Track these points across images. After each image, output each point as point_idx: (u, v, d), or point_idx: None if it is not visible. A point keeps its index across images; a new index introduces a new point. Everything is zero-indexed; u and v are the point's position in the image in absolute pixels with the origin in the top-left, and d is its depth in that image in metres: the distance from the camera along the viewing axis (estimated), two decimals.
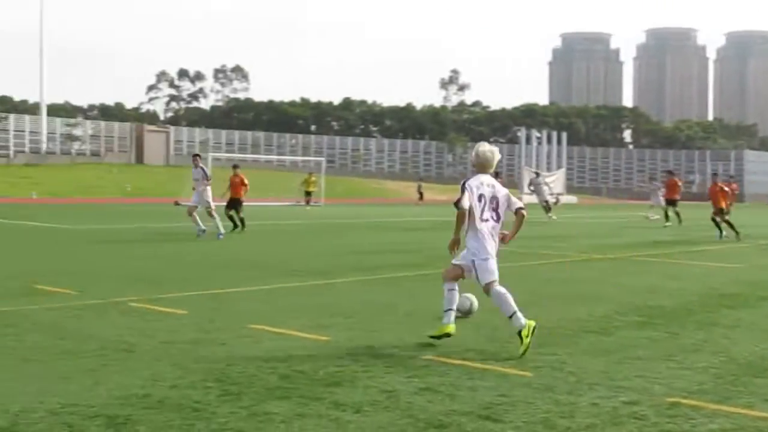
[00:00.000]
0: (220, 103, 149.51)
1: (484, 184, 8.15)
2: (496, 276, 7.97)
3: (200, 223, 22.16)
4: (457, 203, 7.98)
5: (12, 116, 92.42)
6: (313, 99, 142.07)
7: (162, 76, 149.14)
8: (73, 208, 43.96)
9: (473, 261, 8.04)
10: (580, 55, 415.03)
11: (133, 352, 7.40)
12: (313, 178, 52.13)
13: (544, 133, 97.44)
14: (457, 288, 8.26)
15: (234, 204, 25.78)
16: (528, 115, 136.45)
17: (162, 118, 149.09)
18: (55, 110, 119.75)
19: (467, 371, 6.90)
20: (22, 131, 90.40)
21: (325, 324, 8.98)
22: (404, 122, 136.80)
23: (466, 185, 8.08)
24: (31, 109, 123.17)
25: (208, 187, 22.70)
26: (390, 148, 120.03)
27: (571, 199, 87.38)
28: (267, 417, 5.50)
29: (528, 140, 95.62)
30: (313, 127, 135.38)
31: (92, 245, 19.32)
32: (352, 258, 17.29)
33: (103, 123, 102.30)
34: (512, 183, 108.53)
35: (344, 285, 12.80)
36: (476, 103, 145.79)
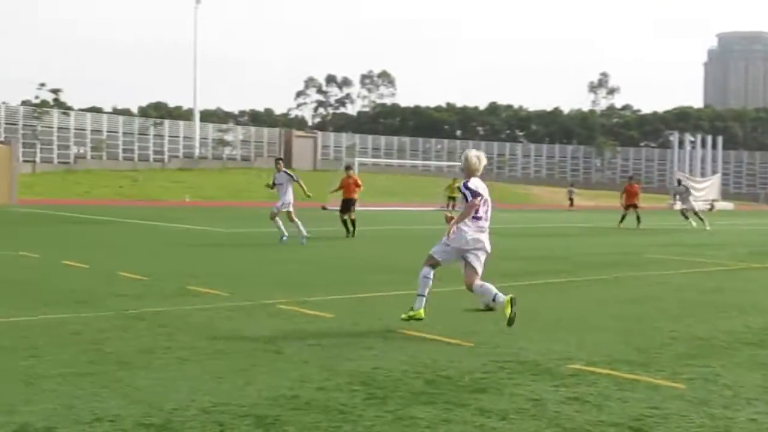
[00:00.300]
0: (366, 109, 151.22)
1: (480, 186, 9.10)
2: (442, 258, 9.18)
3: (283, 229, 21.59)
4: (473, 195, 8.93)
5: (167, 122, 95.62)
6: (459, 104, 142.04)
7: (310, 82, 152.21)
8: (224, 212, 45.39)
9: (467, 251, 9.04)
10: (737, 56, 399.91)
11: (281, 353, 7.57)
12: (457, 184, 52.01)
13: (698, 137, 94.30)
14: (432, 276, 9.24)
15: (347, 206, 25.59)
16: (681, 119, 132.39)
17: (310, 123, 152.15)
18: (207, 116, 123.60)
19: (616, 381, 6.75)
20: (177, 136, 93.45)
21: (470, 330, 8.95)
22: (551, 127, 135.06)
23: (470, 185, 9.01)
24: (185, 115, 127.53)
25: (291, 193, 22.12)
26: (536, 153, 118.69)
27: (727, 205, 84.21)
28: (412, 422, 5.52)
29: (681, 145, 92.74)
30: (458, 132, 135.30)
31: (241, 248, 19.88)
32: (496, 264, 17.17)
33: (253, 129, 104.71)
34: (663, 189, 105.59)
35: None
36: (626, 107, 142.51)
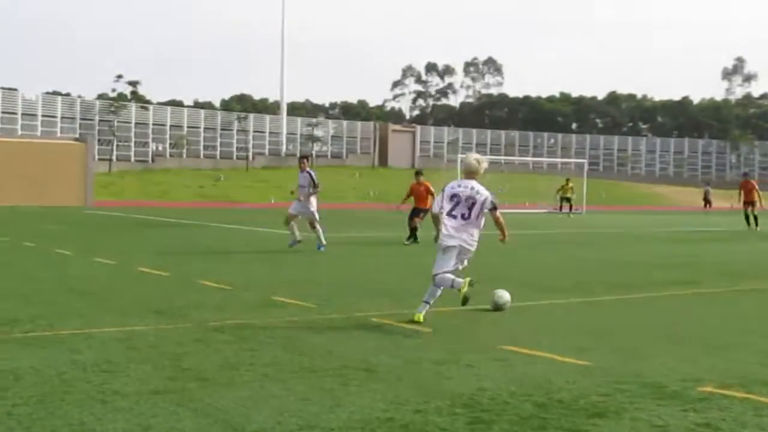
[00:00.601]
0: (470, 100, 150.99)
1: (462, 186, 10.82)
2: (440, 269, 10.64)
3: (297, 234, 21.36)
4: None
5: (251, 116, 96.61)
6: (575, 93, 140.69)
7: (408, 71, 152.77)
8: None
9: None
10: None
11: (374, 371, 7.60)
12: (571, 184, 51.43)
13: None
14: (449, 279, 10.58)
15: (417, 213, 25.43)
16: None
17: (407, 116, 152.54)
18: (295, 109, 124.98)
19: (753, 406, 6.58)
20: (262, 132, 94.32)
21: (584, 347, 8.85)
22: (679, 119, 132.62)
23: (444, 188, 10.90)
24: (271, 108, 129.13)
25: (314, 197, 22.00)
26: (662, 147, 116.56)
27: None
28: None
29: None
30: (573, 125, 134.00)
31: (331, 255, 20.03)
32: (615, 272, 16.96)
33: (345, 122, 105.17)
34: None
35: (607, 303, 12.58)
36: (765, 96, 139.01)
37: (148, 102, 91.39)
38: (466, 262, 11.01)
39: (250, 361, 7.93)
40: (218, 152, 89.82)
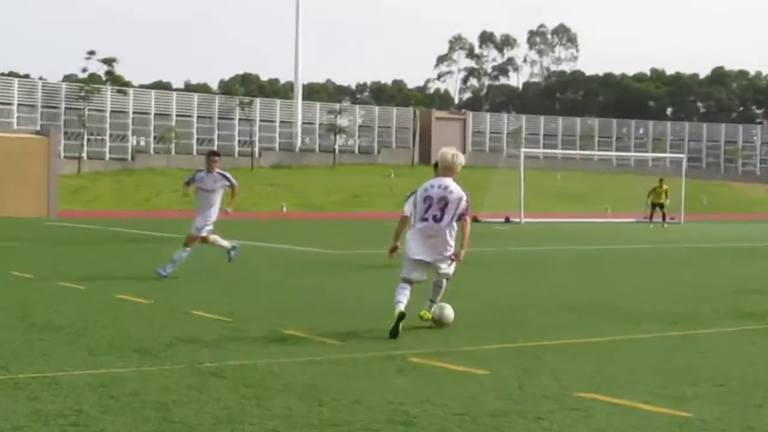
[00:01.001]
0: (536, 79, 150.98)
1: (435, 186, 12.32)
2: (404, 274, 12.43)
3: (226, 242, 21.08)
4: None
5: (258, 101, 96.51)
6: (669, 70, 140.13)
7: (457, 42, 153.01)
8: (336, 226, 45.89)
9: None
10: None
11: (413, 425, 7.58)
12: (665, 186, 51.15)
13: None
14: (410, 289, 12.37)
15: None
16: None
17: (456, 100, 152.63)
18: (313, 92, 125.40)
19: None
20: (271, 121, 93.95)
21: (684, 394, 8.81)
22: None
23: (417, 189, 12.60)
24: (283, 90, 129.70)
25: (219, 199, 20.63)
26: None
27: None
28: None
29: None
30: (669, 110, 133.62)
31: (358, 277, 20.04)
32: (724, 298, 16.86)
33: (376, 108, 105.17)
34: None
35: (714, 337, 12.53)
36: None
37: (128, 84, 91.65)
38: (444, 279, 12.92)
39: (257, 412, 7.93)
40: (216, 147, 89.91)
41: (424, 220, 12.24)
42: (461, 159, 12.49)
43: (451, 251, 12.39)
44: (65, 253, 26.36)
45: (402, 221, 12.74)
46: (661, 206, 50.72)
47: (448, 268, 12.68)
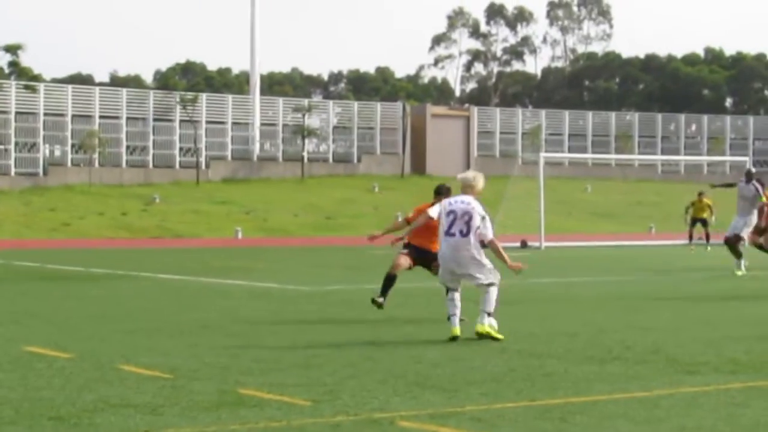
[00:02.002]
0: (559, 63, 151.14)
1: (458, 201, 16.36)
2: (441, 282, 17.19)
3: None
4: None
5: (204, 97, 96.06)
6: (729, 50, 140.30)
7: (457, 18, 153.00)
8: (304, 255, 45.84)
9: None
10: None
11: None
12: (707, 200, 51.16)
13: None
14: (457, 295, 16.82)
15: (425, 259, 25.05)
16: None
17: (457, 92, 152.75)
18: (275, 84, 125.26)
19: None
20: (222, 122, 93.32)
21: None
22: None
23: (443, 201, 16.94)
24: (237, 83, 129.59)
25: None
26: None
27: None
28: None
29: None
30: (728, 102, 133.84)
31: (331, 318, 20.04)
32: None
33: (355, 104, 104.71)
34: None
35: None
36: None
37: (37, 78, 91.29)
38: (491, 286, 16.61)
39: None
40: (151, 157, 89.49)
41: (451, 235, 16.30)
42: (481, 180, 16.75)
43: (487, 263, 16.55)
44: None
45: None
46: (704, 223, 50.68)
47: (484, 279, 16.55)
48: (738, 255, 32.08)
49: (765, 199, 32.49)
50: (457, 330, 16.52)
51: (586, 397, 11.79)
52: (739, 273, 31.57)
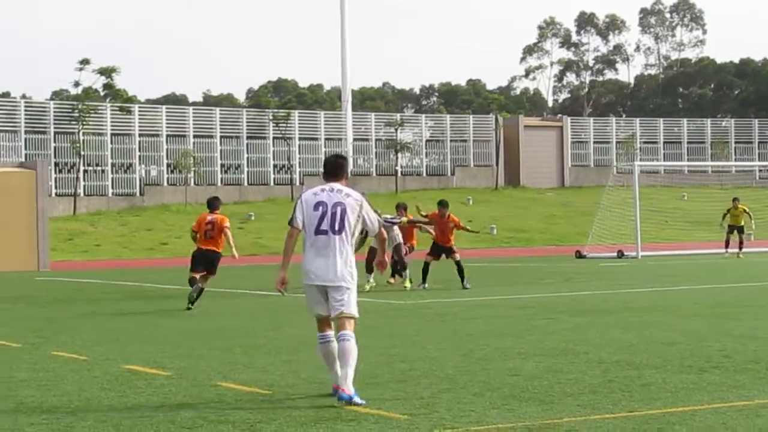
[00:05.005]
0: (652, 71, 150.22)
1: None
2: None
3: None
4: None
5: (296, 114, 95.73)
6: None
7: (548, 28, 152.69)
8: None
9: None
10: None
11: None
12: (742, 206, 51.13)
13: None
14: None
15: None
16: None
17: (550, 103, 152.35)
18: (367, 99, 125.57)
19: None
20: (314, 139, 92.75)
21: None
22: None
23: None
24: (328, 99, 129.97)
25: None
26: None
27: None
28: None
29: None
30: None
31: (421, 332, 20.07)
32: None
33: (448, 117, 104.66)
34: None
35: None
36: None
37: (132, 100, 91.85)
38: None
39: None
40: (245, 175, 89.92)
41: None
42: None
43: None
44: (60, 314, 26.57)
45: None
46: (741, 230, 50.82)
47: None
48: None
49: None
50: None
51: (685, 408, 11.72)
52: None
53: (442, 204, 34.35)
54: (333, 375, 12.67)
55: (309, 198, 12.99)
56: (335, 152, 13.78)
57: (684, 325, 20.88)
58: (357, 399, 12.13)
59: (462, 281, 32.32)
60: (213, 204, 28.21)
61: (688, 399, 12.24)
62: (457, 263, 32.78)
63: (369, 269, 32.11)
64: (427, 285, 32.58)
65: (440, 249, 33.70)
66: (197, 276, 27.48)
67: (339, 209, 12.81)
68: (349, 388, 12.21)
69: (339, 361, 12.49)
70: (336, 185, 13.05)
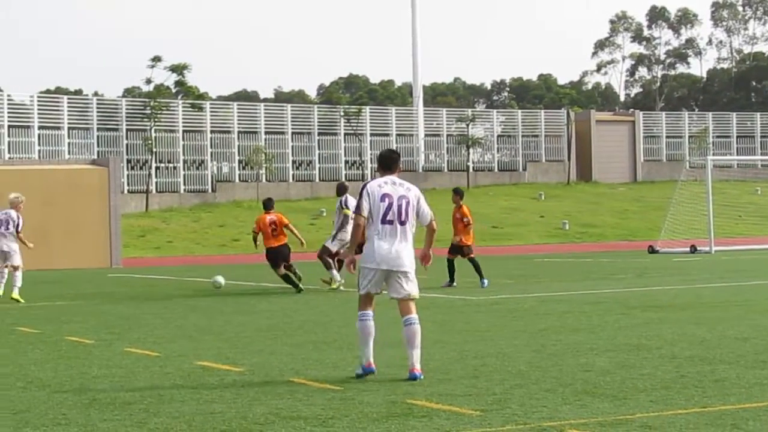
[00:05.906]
0: (725, 65, 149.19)
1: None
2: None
3: None
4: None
5: (368, 110, 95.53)
6: None
7: (620, 23, 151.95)
8: (467, 263, 45.82)
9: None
10: None
11: None
12: None
13: None
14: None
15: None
16: None
17: (622, 97, 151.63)
18: (439, 95, 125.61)
19: None
20: (386, 134, 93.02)
21: None
22: None
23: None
24: (399, 95, 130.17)
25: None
26: None
27: None
28: None
29: None
30: None
31: (493, 328, 20.04)
32: None
33: (519, 113, 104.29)
34: None
35: None
36: None
37: (203, 97, 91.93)
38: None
39: None
40: (317, 171, 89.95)
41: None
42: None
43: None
44: (133, 311, 26.71)
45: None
46: None
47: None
48: None
49: None
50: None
51: (760, 403, 11.66)
52: None
53: (455, 191, 33.35)
54: (367, 352, 14.06)
55: (374, 189, 14.31)
56: (389, 148, 15.42)
57: (758, 321, 20.76)
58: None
59: (480, 279, 31.89)
60: (269, 204, 32.06)
61: (763, 395, 12.17)
62: (470, 260, 32.31)
63: (339, 266, 31.69)
64: (456, 283, 32.23)
65: (453, 246, 32.77)
66: (282, 270, 30.53)
67: (404, 202, 14.25)
68: (419, 368, 13.78)
69: (409, 344, 13.93)
70: (395, 179, 14.56)
